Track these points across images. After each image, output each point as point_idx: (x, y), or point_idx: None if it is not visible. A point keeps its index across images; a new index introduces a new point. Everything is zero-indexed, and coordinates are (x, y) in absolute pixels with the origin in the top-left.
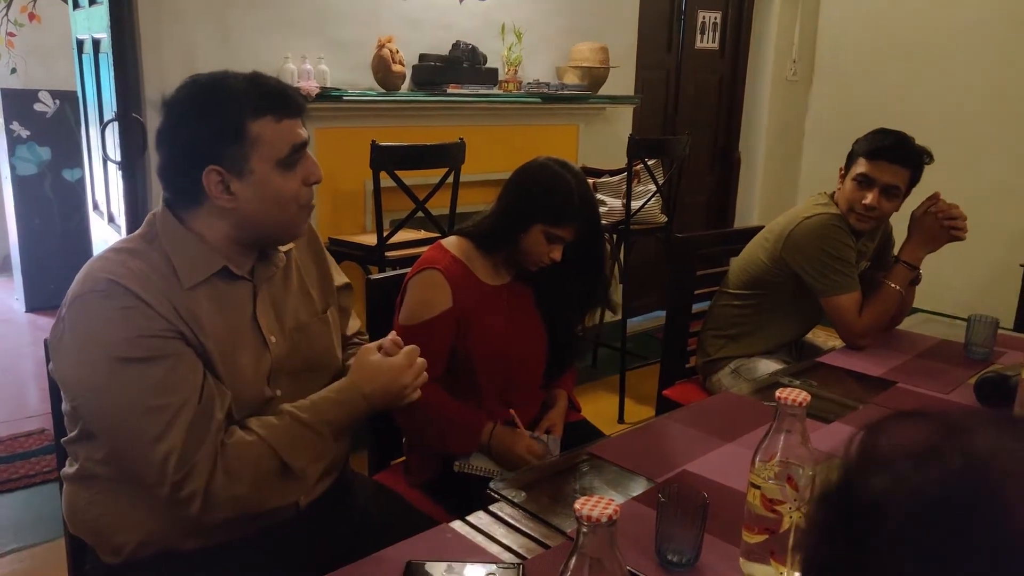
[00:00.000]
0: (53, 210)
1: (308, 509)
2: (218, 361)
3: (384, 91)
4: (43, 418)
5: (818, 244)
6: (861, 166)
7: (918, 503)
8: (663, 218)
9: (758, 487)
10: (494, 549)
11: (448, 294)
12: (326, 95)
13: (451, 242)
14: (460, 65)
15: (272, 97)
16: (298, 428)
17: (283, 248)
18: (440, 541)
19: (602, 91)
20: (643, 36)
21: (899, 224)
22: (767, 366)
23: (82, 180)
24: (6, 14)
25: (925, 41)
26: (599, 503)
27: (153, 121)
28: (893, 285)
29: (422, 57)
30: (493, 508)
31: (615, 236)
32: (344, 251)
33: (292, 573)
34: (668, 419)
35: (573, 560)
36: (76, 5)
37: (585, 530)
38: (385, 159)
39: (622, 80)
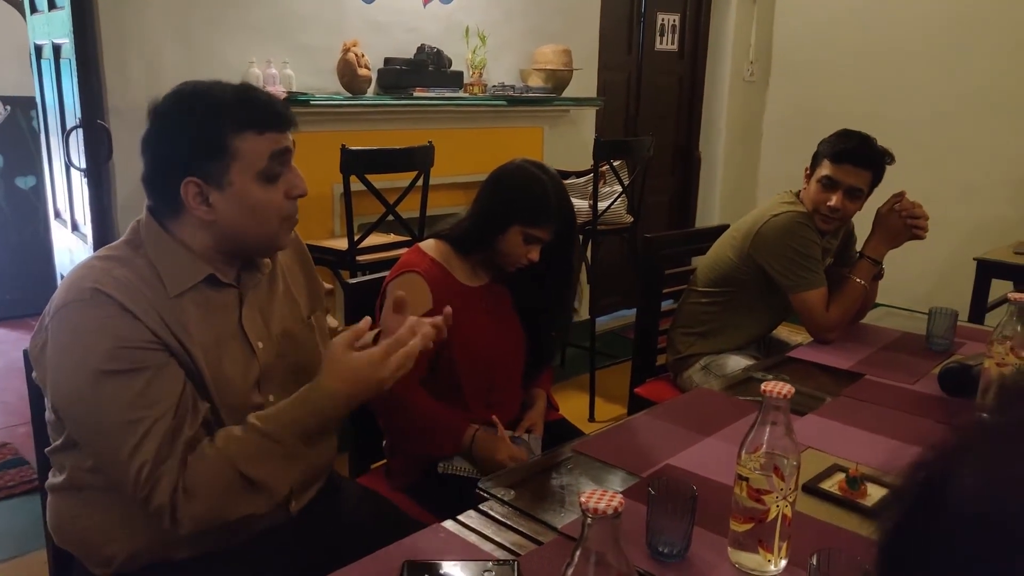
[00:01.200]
0: (6, 219)
1: (299, 515)
2: (205, 368)
3: (350, 95)
4: (5, 432)
5: (786, 241)
6: (826, 168)
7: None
8: (629, 218)
9: (745, 478)
10: (488, 547)
11: (428, 296)
12: (293, 100)
13: (429, 245)
14: (425, 68)
15: (256, 110)
16: (257, 438)
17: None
18: (434, 541)
19: (566, 93)
20: (604, 38)
21: (860, 221)
22: (737, 362)
23: (37, 188)
24: None
25: (880, 41)
26: (603, 496)
27: (117, 128)
28: (858, 280)
29: (387, 61)
30: (483, 507)
31: (582, 237)
32: (315, 256)
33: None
34: (646, 416)
35: (578, 553)
36: (34, 9)
37: (590, 522)
38: (355, 163)
39: (585, 82)
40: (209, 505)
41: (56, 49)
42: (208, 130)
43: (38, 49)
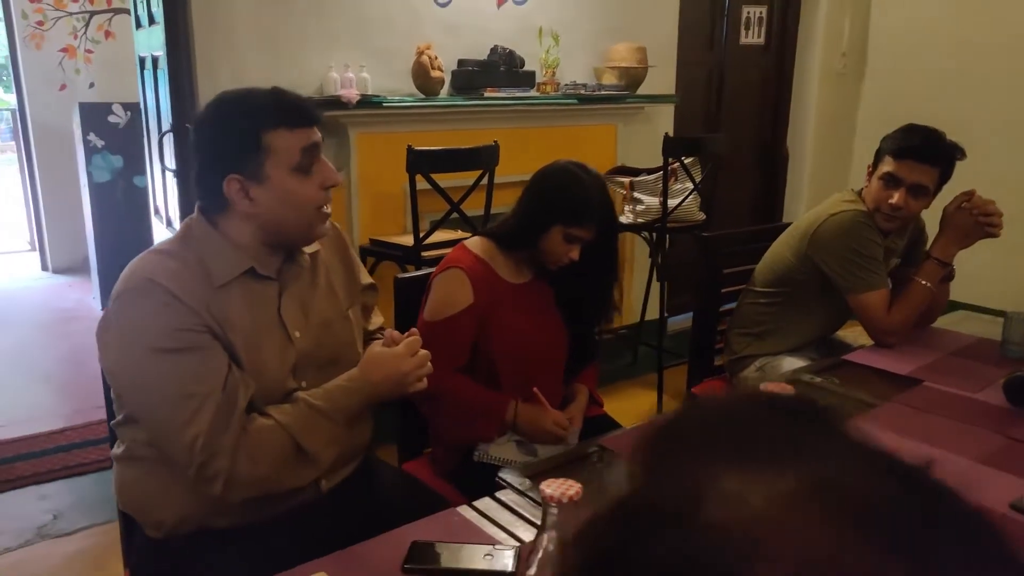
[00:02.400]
0: (125, 214)
1: (329, 493)
2: (243, 354)
3: (423, 96)
4: (98, 410)
5: (844, 241)
6: (888, 165)
7: None
8: (701, 216)
9: None
10: (498, 534)
11: (469, 291)
12: (366, 102)
13: (474, 242)
14: (497, 69)
15: (286, 109)
16: (312, 414)
17: (308, 250)
18: (447, 524)
19: (640, 90)
20: (683, 34)
21: (932, 219)
22: (792, 364)
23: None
24: (85, 32)
25: (982, 34)
26: (563, 484)
27: None
28: (923, 282)
29: (460, 62)
30: (500, 495)
31: (653, 235)
32: (384, 251)
33: (314, 550)
34: None
35: (543, 538)
36: (139, 25)
37: (552, 511)
38: (420, 163)
39: (662, 79)
40: (270, 469)
41: (155, 60)
42: (244, 129)
43: (142, 60)
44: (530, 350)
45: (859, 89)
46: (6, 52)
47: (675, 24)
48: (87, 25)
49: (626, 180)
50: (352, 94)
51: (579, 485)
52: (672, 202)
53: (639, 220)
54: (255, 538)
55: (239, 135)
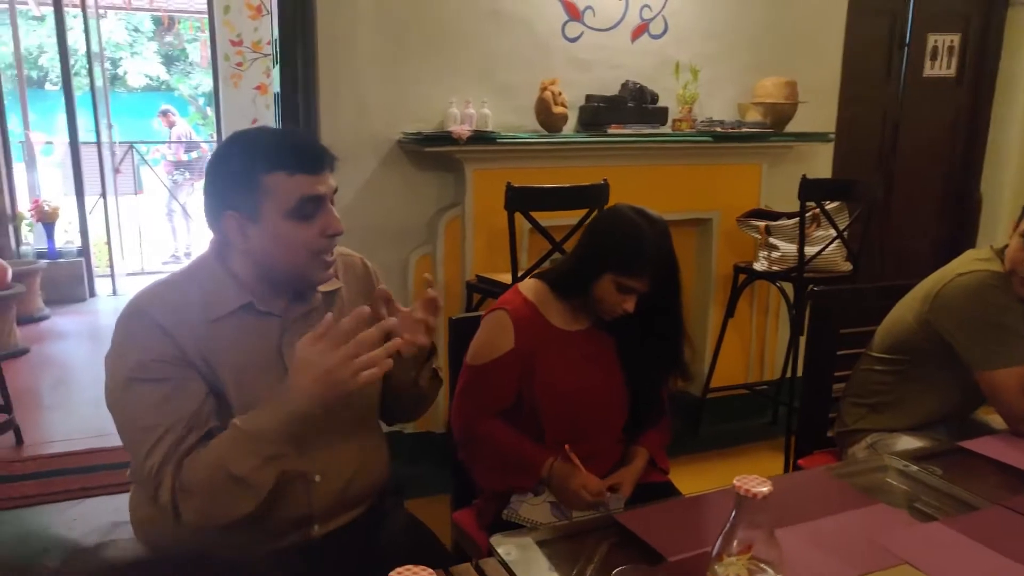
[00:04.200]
0: None
1: (325, 539)
2: (232, 389)
3: (546, 133)
4: None
5: (972, 307)
6: None
7: None
8: (847, 266)
9: None
10: None
11: (511, 336)
12: (479, 138)
13: (528, 285)
14: (624, 105)
15: (288, 153)
16: (237, 434)
17: (324, 288)
18: None
19: (791, 128)
20: (850, 66)
21: None
22: (908, 444)
23: None
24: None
25: None
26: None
27: None
28: None
29: (588, 98)
30: (481, 563)
31: (793, 285)
32: (486, 288)
33: None
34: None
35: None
36: (274, 63)
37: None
38: (519, 200)
39: (819, 116)
40: (202, 500)
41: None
42: (243, 168)
43: (276, 97)
44: (577, 402)
45: None
46: (211, 89)
47: (838, 56)
48: None
49: (761, 224)
50: (463, 130)
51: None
52: (811, 250)
53: (774, 268)
54: (245, 573)
55: (238, 173)
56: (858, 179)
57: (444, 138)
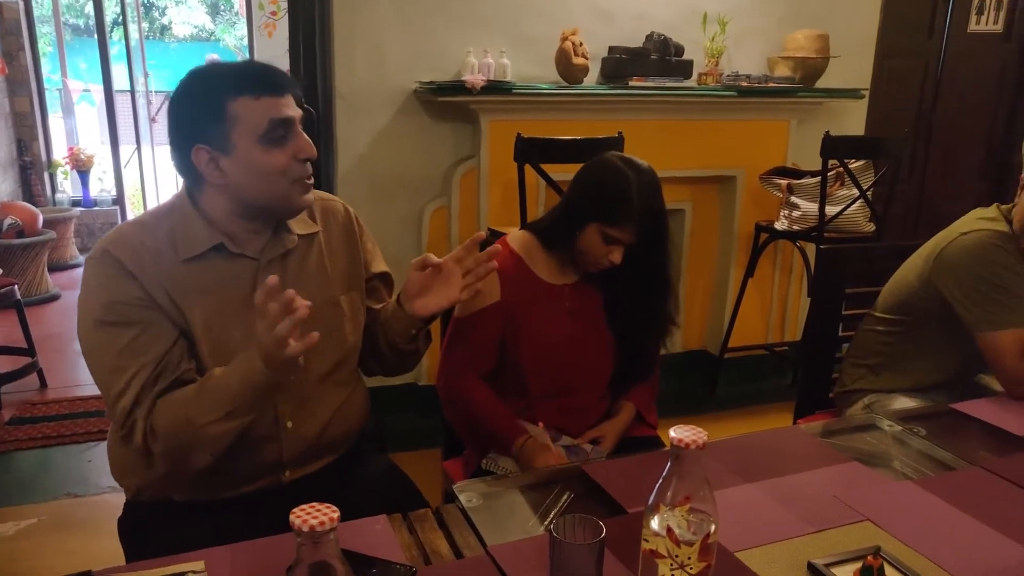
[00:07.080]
0: None
1: (294, 484)
2: (201, 334)
3: (565, 84)
4: None
5: (972, 266)
6: None
7: None
8: (870, 227)
9: (645, 539)
10: (407, 552)
11: (497, 288)
12: (494, 88)
13: (515, 236)
14: (648, 57)
15: (250, 77)
16: (202, 386)
17: (302, 232)
18: (362, 535)
19: (822, 83)
20: (889, 19)
21: None
22: (904, 404)
23: None
24: None
25: None
26: (319, 511)
27: (341, 111)
28: None
29: (611, 49)
30: (441, 509)
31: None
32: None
33: (271, 533)
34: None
35: (296, 570)
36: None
37: (301, 541)
38: (529, 151)
39: (854, 71)
40: (166, 445)
41: None
42: (208, 97)
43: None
44: (563, 355)
45: None
46: (245, 40)
47: (876, 8)
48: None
49: (783, 182)
50: (477, 79)
51: (333, 513)
52: (832, 209)
53: (795, 227)
54: (213, 515)
55: (204, 105)
56: (885, 136)
57: (458, 88)
